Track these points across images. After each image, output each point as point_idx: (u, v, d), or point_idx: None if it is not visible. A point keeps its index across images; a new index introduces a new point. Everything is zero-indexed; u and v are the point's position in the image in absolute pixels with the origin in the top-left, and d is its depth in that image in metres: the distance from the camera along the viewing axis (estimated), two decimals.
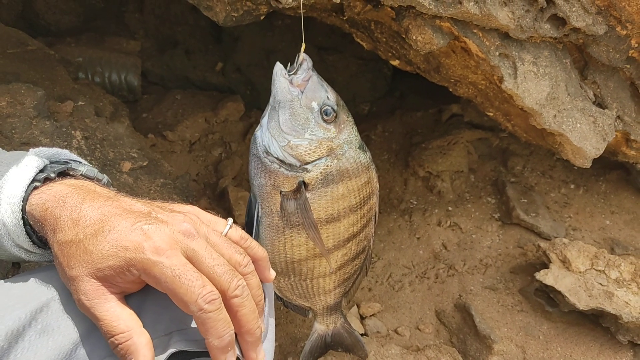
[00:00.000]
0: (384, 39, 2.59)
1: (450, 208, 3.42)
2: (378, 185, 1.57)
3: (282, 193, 1.42)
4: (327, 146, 1.41)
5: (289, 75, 1.39)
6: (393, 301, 2.99)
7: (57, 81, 3.30)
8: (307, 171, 1.41)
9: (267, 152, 1.39)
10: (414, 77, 4.59)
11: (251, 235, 1.42)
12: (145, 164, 2.73)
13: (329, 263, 1.55)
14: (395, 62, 2.91)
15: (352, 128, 1.48)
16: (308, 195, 1.41)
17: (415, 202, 3.53)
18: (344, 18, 2.43)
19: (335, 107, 1.40)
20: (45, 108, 2.47)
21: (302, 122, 1.38)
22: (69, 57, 3.83)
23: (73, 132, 2.57)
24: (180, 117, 4.08)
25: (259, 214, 1.46)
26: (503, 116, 2.64)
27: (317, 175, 1.41)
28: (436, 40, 2.12)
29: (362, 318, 3.06)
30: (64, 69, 3.44)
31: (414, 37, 2.13)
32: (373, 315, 2.93)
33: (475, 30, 2.06)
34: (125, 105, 3.61)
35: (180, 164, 3.83)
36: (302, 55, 1.40)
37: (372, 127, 4.14)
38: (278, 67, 1.39)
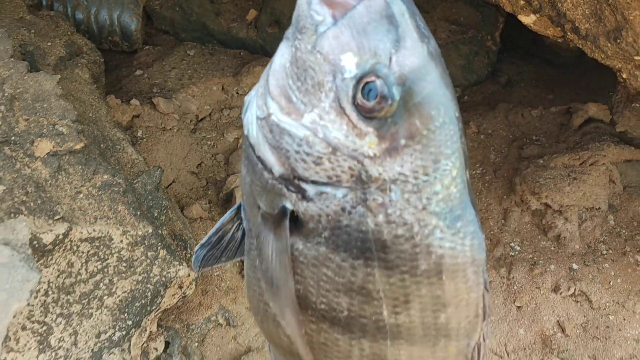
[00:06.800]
0: None
1: (575, 265, 2.70)
2: (488, 314, 1.02)
3: (260, 210, 0.98)
4: (352, 168, 0.88)
5: None
6: None
7: None
8: (303, 196, 0.91)
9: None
10: (528, 58, 3.58)
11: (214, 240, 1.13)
12: (79, 146, 1.70)
13: None
14: (529, 18, 2.30)
15: (436, 158, 0.89)
16: (299, 245, 0.96)
17: (518, 248, 2.80)
18: None
19: (395, 91, 0.84)
20: None
21: (308, 84, 0.86)
22: None
23: None
24: (186, 81, 3.27)
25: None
26: None
27: (320, 215, 0.92)
28: None
29: None
30: None
31: None
32: None
33: None
34: (100, 54, 2.65)
35: (175, 147, 2.91)
36: None
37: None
38: None
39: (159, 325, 2.14)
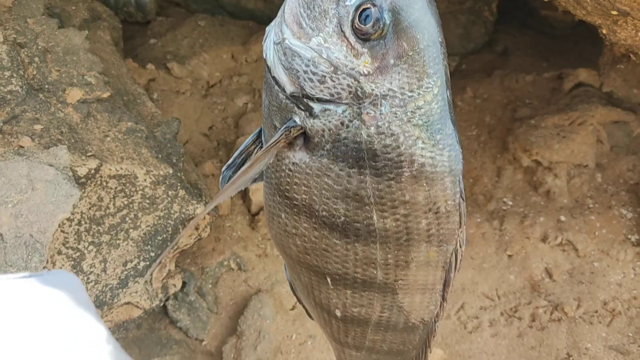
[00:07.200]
0: None
1: (563, 217, 2.80)
2: (464, 222, 1.11)
3: (276, 128, 1.06)
4: (350, 86, 0.98)
5: None
6: (463, 347, 2.44)
7: None
8: (311, 114, 1.01)
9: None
10: (524, 29, 3.68)
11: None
12: (106, 95, 1.85)
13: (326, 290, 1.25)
14: None
15: (420, 77, 0.99)
16: (306, 158, 1.04)
17: (510, 203, 2.91)
18: None
19: (386, 15, 0.95)
20: None
21: (315, 12, 0.96)
22: None
23: None
24: (198, 49, 3.38)
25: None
26: None
27: (324, 129, 1.01)
28: None
29: None
30: None
31: None
32: None
33: None
34: (118, 20, 2.78)
35: (188, 110, 3.04)
36: None
37: (459, 90, 3.34)
38: None
39: (176, 266, 2.31)
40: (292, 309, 2.44)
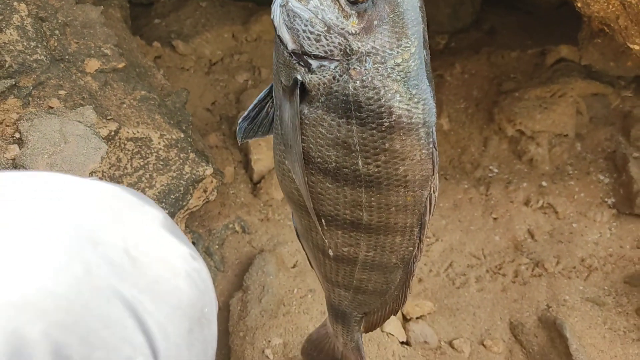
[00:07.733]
0: None
1: (544, 183, 2.97)
2: (437, 169, 1.23)
3: (282, 84, 1.17)
4: (340, 44, 1.11)
5: None
6: (451, 301, 2.58)
7: None
8: (309, 70, 1.13)
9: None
10: (510, 10, 3.79)
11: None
12: (121, 66, 1.99)
13: (320, 231, 1.32)
14: None
15: (399, 37, 1.11)
16: (305, 110, 1.17)
17: (496, 170, 3.07)
18: None
19: None
20: None
21: None
22: None
23: (16, 3, 1.83)
24: (200, 29, 3.48)
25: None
26: None
27: (319, 83, 1.14)
28: None
29: (405, 319, 2.49)
30: None
31: None
32: (421, 317, 2.50)
33: None
34: (126, 0, 2.88)
35: (192, 86, 3.17)
36: None
37: (448, 66, 3.48)
38: None
39: (186, 227, 2.47)
40: (293, 266, 2.60)
